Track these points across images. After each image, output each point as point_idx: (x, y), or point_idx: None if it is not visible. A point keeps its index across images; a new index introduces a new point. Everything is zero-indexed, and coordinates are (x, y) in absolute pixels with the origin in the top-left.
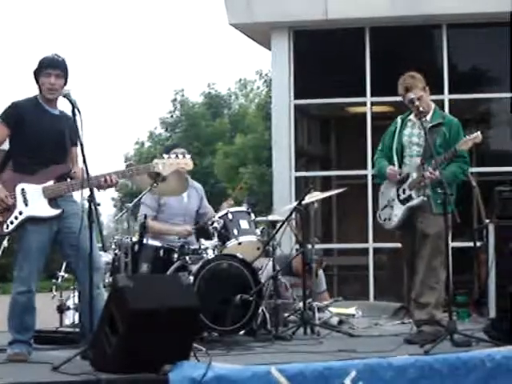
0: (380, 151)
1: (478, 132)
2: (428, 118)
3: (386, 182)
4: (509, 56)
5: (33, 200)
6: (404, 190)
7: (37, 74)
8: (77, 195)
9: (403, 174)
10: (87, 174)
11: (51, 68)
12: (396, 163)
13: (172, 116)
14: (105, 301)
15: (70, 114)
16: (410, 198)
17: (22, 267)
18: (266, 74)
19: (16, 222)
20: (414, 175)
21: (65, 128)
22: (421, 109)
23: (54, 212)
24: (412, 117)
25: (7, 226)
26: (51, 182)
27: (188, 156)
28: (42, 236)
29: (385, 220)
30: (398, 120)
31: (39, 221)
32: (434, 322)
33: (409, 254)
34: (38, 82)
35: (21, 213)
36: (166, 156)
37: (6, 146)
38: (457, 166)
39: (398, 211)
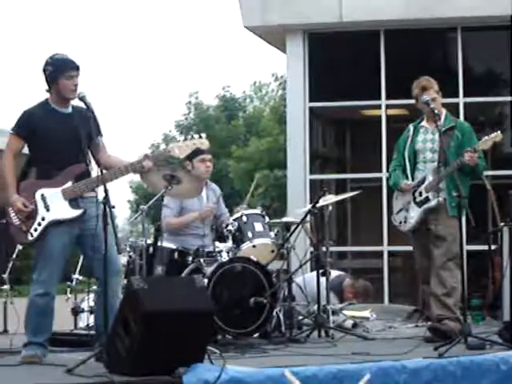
0: (395, 160)
1: (498, 132)
2: (441, 122)
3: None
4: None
5: (53, 204)
6: (421, 193)
7: (55, 76)
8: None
9: (420, 178)
10: (101, 172)
11: (72, 69)
12: (408, 169)
13: (187, 119)
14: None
15: (82, 107)
16: (426, 200)
17: (43, 270)
18: (281, 77)
19: (40, 229)
20: (430, 178)
21: (79, 125)
22: (436, 111)
23: (76, 213)
24: (424, 123)
25: (31, 234)
26: (70, 183)
27: (204, 135)
28: (64, 239)
29: (400, 223)
30: (410, 127)
31: (61, 223)
32: (455, 319)
33: (422, 255)
34: (52, 84)
35: (43, 218)
36: (181, 139)
37: (26, 149)
38: (480, 160)
39: (415, 213)
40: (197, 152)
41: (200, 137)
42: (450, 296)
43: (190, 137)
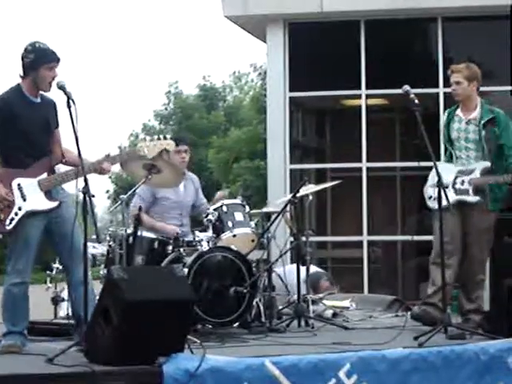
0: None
1: None
2: (477, 114)
3: (447, 165)
4: (509, 49)
5: (30, 194)
6: (463, 182)
7: (36, 64)
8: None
9: (469, 167)
10: (82, 164)
11: (54, 61)
12: (453, 155)
13: (166, 109)
14: (94, 292)
15: (48, 96)
16: (466, 193)
17: (18, 259)
18: (261, 67)
19: (17, 219)
20: (478, 174)
21: (48, 114)
22: (416, 101)
23: (52, 204)
24: (458, 111)
25: (9, 222)
26: (45, 175)
27: (168, 136)
28: (39, 229)
29: (430, 198)
30: (446, 114)
31: (37, 214)
32: (480, 312)
33: (440, 236)
34: (31, 72)
35: (20, 208)
36: (148, 139)
37: None
38: None
39: (449, 196)
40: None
41: (165, 138)
42: (478, 289)
43: (156, 137)
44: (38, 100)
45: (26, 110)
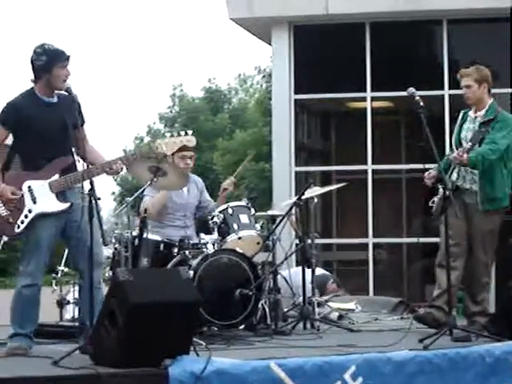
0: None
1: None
2: (482, 113)
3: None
4: (509, 51)
5: (40, 196)
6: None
7: (49, 65)
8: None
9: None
10: (87, 165)
11: (67, 59)
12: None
13: (171, 111)
14: (104, 296)
15: (67, 94)
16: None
17: (30, 262)
18: (265, 69)
19: (26, 221)
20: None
21: (65, 114)
22: (421, 103)
23: (63, 206)
24: (471, 112)
25: (18, 226)
26: (57, 176)
27: (190, 132)
28: (50, 231)
29: (431, 207)
30: (460, 114)
31: (48, 216)
32: (486, 314)
33: (444, 237)
34: (45, 73)
35: (30, 211)
36: (168, 135)
37: (10, 140)
38: (484, 148)
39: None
40: (180, 148)
41: (186, 134)
42: (483, 291)
43: (176, 134)
44: (55, 100)
45: (40, 111)
